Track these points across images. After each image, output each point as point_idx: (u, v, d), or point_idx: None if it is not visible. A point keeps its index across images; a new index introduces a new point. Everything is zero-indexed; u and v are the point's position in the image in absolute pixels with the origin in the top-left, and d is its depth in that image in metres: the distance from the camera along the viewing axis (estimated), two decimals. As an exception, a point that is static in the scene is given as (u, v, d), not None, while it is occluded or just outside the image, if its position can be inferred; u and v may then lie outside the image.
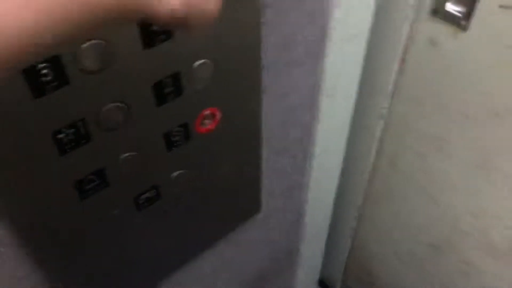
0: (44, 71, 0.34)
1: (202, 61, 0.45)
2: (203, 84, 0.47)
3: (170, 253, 0.65)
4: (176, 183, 0.53)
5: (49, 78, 0.34)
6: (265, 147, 0.65)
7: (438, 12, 0.64)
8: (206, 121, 0.50)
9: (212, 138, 0.53)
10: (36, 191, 0.41)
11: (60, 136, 0.39)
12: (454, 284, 0.92)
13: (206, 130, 0.51)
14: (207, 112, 0.50)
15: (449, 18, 0.63)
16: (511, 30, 0.57)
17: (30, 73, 0.33)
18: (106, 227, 0.51)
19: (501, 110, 0.64)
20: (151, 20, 0.22)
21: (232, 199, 0.67)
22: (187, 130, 0.49)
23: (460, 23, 0.62)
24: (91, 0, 0.19)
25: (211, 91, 0.48)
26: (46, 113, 0.37)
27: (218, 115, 0.51)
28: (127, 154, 0.45)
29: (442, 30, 0.65)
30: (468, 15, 0.60)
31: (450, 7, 0.62)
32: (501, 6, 0.56)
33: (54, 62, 0.34)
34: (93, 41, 0.35)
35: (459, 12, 0.61)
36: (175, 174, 0.52)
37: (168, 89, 0.44)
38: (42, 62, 0.33)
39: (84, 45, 0.35)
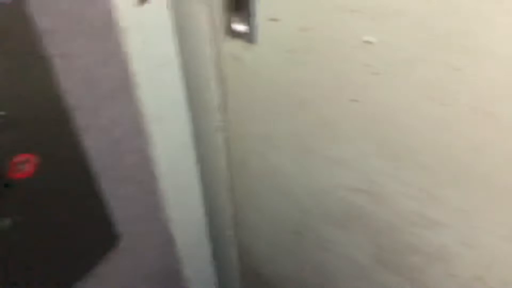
0: None
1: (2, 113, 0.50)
2: (7, 134, 0.51)
3: None
4: (5, 232, 0.56)
5: None
6: (102, 179, 0.69)
7: (229, 32, 0.74)
8: (21, 167, 0.54)
9: (34, 182, 0.57)
10: None
11: None
12: (321, 260, 1.03)
13: (25, 175, 0.55)
14: (20, 158, 0.54)
15: (239, 36, 0.73)
16: (284, 37, 0.68)
17: None
18: None
19: (303, 100, 0.75)
20: None
21: (83, 236, 0.71)
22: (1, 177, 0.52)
23: (247, 38, 0.72)
24: None
25: (20, 138, 0.52)
26: None
27: (34, 160, 0.55)
28: None
29: (238, 46, 0.75)
30: (252, 30, 0.71)
31: (235, 27, 0.72)
32: (270, 19, 0.67)
33: None
34: None
35: (243, 29, 0.71)
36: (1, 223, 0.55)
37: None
38: None
39: None
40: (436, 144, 0.65)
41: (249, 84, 0.80)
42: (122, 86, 0.65)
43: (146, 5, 0.62)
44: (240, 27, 0.71)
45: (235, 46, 0.75)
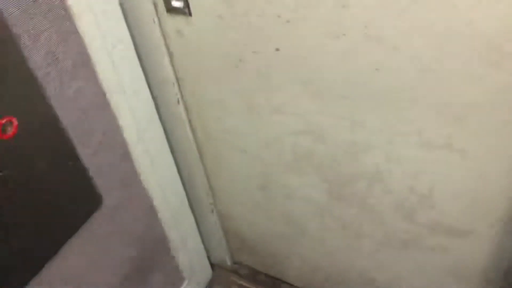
0: None
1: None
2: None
3: (24, 260, 0.78)
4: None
5: None
6: (77, 145, 0.82)
7: (170, 9, 0.87)
8: (7, 128, 0.67)
9: (18, 141, 0.69)
10: None
11: None
12: (287, 208, 1.16)
13: (9, 136, 0.68)
14: (4, 120, 0.66)
15: (179, 11, 0.87)
16: (212, 6, 0.82)
17: None
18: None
19: (238, 58, 0.88)
20: None
21: (67, 195, 0.83)
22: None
23: (185, 12, 0.86)
24: None
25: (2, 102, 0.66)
26: None
27: (15, 122, 0.68)
28: None
29: (179, 21, 0.88)
30: (187, 4, 0.84)
31: (174, 4, 0.85)
32: (199, -8, 0.81)
33: None
34: None
35: (180, 5, 0.85)
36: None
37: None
38: None
39: None
40: (346, 73, 0.78)
41: (194, 54, 0.93)
42: (83, 62, 0.78)
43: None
44: (177, 3, 0.85)
45: (176, 21, 0.89)
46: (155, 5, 0.88)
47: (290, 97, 0.89)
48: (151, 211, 1.10)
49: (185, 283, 1.34)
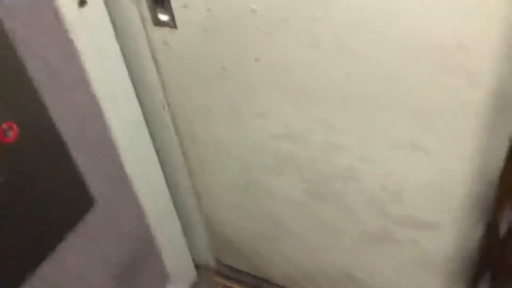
0: None
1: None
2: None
3: (19, 260, 0.83)
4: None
5: None
6: (73, 150, 0.88)
7: (157, 22, 0.94)
8: (7, 133, 0.72)
9: (17, 148, 0.75)
10: None
11: None
12: (269, 208, 1.22)
13: (10, 141, 0.73)
14: (5, 125, 0.72)
15: (164, 24, 0.93)
16: (196, 19, 0.89)
17: None
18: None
19: (221, 67, 0.95)
20: None
21: (63, 198, 0.88)
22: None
23: (170, 24, 0.92)
24: None
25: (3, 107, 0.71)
26: None
27: (15, 128, 0.74)
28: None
29: (164, 32, 0.95)
30: (172, 17, 0.91)
31: (160, 17, 0.92)
32: (183, 6, 0.88)
33: None
34: None
35: (166, 18, 0.92)
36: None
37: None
38: None
39: None
40: (320, 80, 0.86)
41: (179, 63, 1.00)
42: (79, 73, 0.84)
43: (85, 6, 0.82)
44: (163, 16, 0.92)
45: (162, 33, 0.95)
46: (143, 20, 0.95)
47: (271, 103, 0.96)
48: (139, 212, 1.16)
49: (171, 283, 1.39)
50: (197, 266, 1.56)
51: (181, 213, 1.39)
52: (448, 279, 1.08)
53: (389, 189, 0.97)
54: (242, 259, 1.50)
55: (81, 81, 0.86)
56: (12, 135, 0.73)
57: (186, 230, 1.45)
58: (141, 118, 1.08)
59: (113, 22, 0.92)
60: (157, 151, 1.19)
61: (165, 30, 0.94)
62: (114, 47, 0.94)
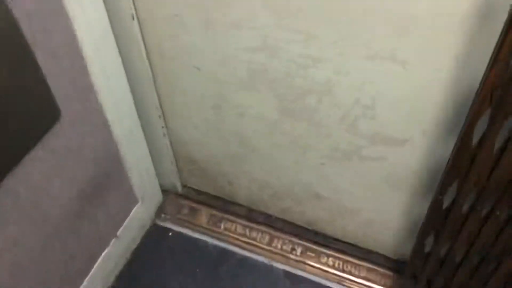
0: None
1: None
2: None
3: None
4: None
5: None
6: (38, 54, 0.81)
7: None
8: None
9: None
10: None
11: None
12: (240, 127, 1.22)
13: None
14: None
15: None
16: None
17: None
18: None
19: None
20: None
21: (28, 108, 0.83)
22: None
23: None
24: None
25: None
26: None
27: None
28: None
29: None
30: None
31: None
32: None
33: None
34: None
35: None
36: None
37: None
38: None
39: None
40: (303, -15, 0.83)
41: None
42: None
43: None
44: None
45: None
46: None
47: (247, 11, 0.92)
48: (105, 128, 1.11)
49: (138, 204, 1.38)
50: (164, 191, 1.55)
51: (148, 134, 1.36)
52: (415, 194, 1.13)
53: (362, 103, 0.98)
54: (208, 181, 1.51)
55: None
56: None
57: (153, 152, 1.42)
58: (108, 27, 1.01)
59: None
60: (124, 66, 1.13)
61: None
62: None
